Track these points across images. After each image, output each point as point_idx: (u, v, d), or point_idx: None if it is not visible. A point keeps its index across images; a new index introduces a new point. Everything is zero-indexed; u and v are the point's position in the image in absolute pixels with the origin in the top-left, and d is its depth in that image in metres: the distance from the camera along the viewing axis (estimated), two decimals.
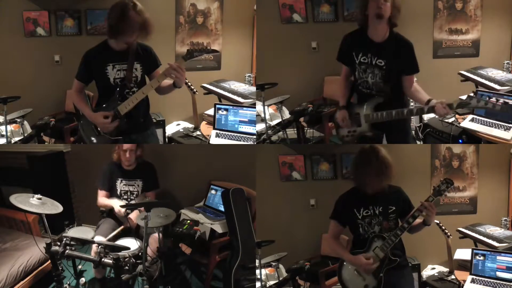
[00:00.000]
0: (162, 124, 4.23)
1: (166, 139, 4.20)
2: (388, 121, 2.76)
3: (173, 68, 2.62)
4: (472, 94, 2.55)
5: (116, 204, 3.29)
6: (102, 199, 3.43)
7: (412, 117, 3.76)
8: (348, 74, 2.91)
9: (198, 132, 3.99)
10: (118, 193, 3.44)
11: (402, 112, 2.68)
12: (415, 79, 2.77)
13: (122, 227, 3.24)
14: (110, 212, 3.41)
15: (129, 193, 3.45)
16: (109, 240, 3.09)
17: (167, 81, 2.75)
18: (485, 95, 3.55)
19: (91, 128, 2.84)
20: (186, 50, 2.73)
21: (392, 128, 2.85)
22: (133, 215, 3.28)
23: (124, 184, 3.44)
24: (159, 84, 2.72)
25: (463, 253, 3.72)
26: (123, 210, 3.19)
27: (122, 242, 3.03)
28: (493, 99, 2.44)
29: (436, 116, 2.83)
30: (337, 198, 2.64)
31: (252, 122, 3.62)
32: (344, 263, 2.61)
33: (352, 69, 2.84)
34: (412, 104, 3.17)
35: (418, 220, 2.50)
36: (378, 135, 2.88)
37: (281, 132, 4.07)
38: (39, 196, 2.82)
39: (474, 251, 3.44)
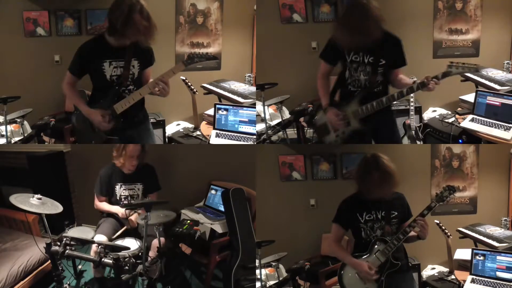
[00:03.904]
0: (162, 124, 4.22)
1: (166, 139, 4.19)
2: (372, 117, 2.77)
3: (156, 83, 2.67)
4: (449, 64, 2.59)
5: (118, 209, 3.27)
6: (102, 204, 3.40)
7: (411, 116, 3.78)
8: (328, 72, 2.90)
9: (198, 132, 3.99)
10: (118, 198, 3.40)
11: (393, 97, 2.70)
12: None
13: (124, 228, 3.22)
14: (110, 213, 3.40)
15: (129, 198, 3.41)
16: (112, 240, 3.08)
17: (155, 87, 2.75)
18: (485, 95, 3.56)
19: (87, 124, 2.83)
20: (187, 55, 2.73)
21: (376, 124, 2.84)
22: (134, 217, 3.27)
23: (124, 189, 3.40)
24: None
25: (463, 253, 3.72)
26: (127, 211, 3.17)
27: (122, 242, 3.03)
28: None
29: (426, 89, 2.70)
30: (340, 202, 2.65)
31: (252, 122, 3.62)
32: (345, 265, 2.62)
33: (342, 67, 2.83)
34: None
35: (413, 233, 2.50)
36: (369, 130, 2.86)
37: (281, 132, 4.07)
38: (39, 196, 2.81)
39: (474, 251, 3.44)
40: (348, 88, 2.82)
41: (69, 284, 2.88)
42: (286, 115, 4.14)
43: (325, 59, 2.88)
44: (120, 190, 3.40)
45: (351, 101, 2.79)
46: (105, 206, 3.39)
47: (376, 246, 2.51)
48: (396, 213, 2.55)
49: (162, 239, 2.96)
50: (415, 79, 2.74)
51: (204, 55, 2.79)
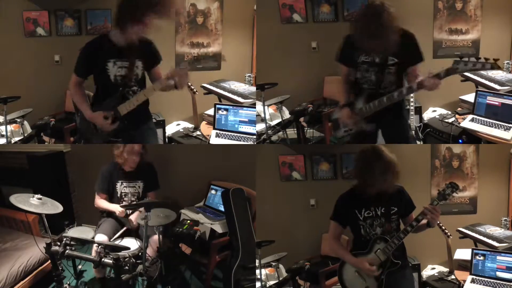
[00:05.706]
0: (162, 124, 4.22)
1: (166, 139, 4.20)
2: (384, 117, 2.76)
3: (177, 73, 2.63)
4: (458, 59, 2.49)
5: (116, 207, 3.28)
6: (101, 201, 3.40)
7: (411, 116, 3.78)
8: (348, 74, 2.89)
9: (198, 132, 4.00)
10: (119, 195, 3.41)
11: (392, 96, 2.65)
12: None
13: (125, 228, 3.23)
14: (110, 212, 3.40)
15: (130, 195, 3.42)
16: (113, 241, 3.08)
17: (169, 81, 2.73)
18: (485, 95, 3.56)
19: (89, 125, 2.83)
20: (192, 56, 2.71)
21: (389, 124, 2.84)
22: (133, 217, 3.27)
23: (124, 186, 3.41)
24: (161, 87, 2.71)
25: (463, 253, 3.72)
26: (123, 211, 3.18)
27: (122, 242, 3.03)
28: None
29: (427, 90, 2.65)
30: (338, 198, 2.60)
31: (252, 122, 3.62)
32: (345, 264, 2.60)
33: (354, 68, 2.82)
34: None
35: (423, 221, 2.47)
36: (372, 130, 2.86)
37: (281, 132, 4.08)
38: (39, 196, 2.81)
39: (474, 251, 3.45)
40: (364, 88, 2.80)
41: (69, 284, 2.89)
42: (286, 115, 4.14)
43: (343, 63, 2.87)
44: (121, 188, 3.41)
45: (358, 99, 2.79)
46: (104, 204, 3.39)
47: (376, 245, 2.49)
48: (396, 209, 2.51)
49: (161, 237, 2.97)
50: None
51: (209, 56, 2.76)
